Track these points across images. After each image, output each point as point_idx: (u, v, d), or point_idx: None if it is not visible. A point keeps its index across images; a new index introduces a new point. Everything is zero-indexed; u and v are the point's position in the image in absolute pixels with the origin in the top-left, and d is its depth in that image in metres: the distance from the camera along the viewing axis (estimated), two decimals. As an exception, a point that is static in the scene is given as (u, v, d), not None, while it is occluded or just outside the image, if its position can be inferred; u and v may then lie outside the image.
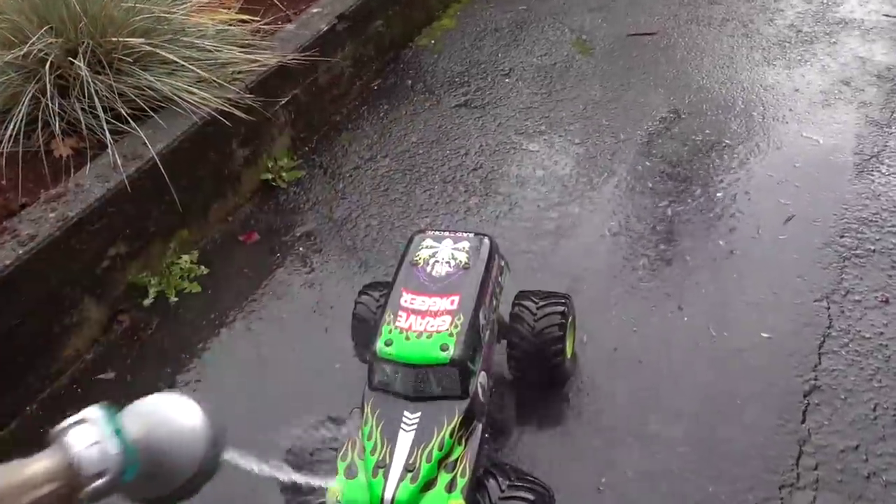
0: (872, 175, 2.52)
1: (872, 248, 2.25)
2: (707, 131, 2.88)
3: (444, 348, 1.60)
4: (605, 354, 2.07)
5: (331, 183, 2.89)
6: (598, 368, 2.03)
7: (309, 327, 2.29)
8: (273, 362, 2.19)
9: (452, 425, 1.56)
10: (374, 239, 2.60)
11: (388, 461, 1.51)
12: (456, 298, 1.70)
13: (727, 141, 2.82)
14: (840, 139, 2.72)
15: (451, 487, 1.49)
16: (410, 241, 1.90)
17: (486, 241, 1.88)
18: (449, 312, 1.67)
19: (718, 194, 2.55)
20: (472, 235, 1.89)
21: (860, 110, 2.87)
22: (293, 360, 2.19)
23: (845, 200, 2.44)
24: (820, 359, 1.97)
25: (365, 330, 1.98)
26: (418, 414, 1.58)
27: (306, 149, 3.07)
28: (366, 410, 1.61)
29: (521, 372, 1.92)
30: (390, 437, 1.55)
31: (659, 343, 2.07)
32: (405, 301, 1.71)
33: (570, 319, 1.92)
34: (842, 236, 2.30)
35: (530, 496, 1.52)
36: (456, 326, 1.64)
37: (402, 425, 1.56)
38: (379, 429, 1.57)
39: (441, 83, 3.38)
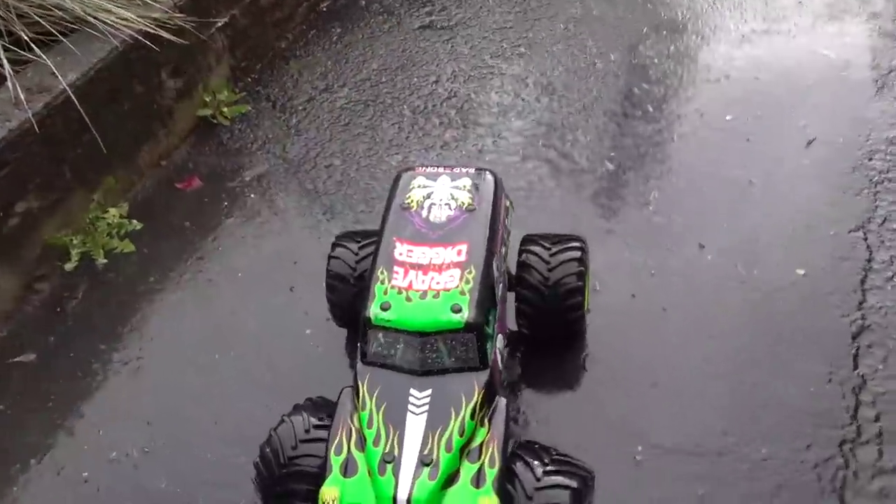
0: (894, 91, 2.30)
1: (904, 170, 2.04)
2: (706, 49, 2.60)
3: (455, 310, 1.29)
4: (622, 303, 1.80)
5: (282, 118, 2.51)
6: (616, 320, 1.76)
7: (270, 287, 1.96)
8: (230, 332, 1.85)
9: (473, 403, 1.27)
10: (338, 181, 2.25)
11: (396, 453, 1.22)
12: (463, 248, 1.39)
13: (730, 59, 2.55)
14: (853, 54, 2.48)
15: (478, 481, 1.21)
16: (397, 180, 1.58)
17: (489, 176, 1.56)
18: (457, 265, 1.36)
19: (727, 117, 2.29)
20: (471, 171, 1.57)
21: (870, 22, 2.63)
22: (254, 327, 1.86)
23: (868, 120, 2.21)
24: (864, 296, 1.76)
25: (343, 289, 1.66)
26: (428, 392, 1.28)
27: (249, 80, 2.66)
28: (361, 391, 1.30)
29: (533, 329, 1.64)
30: (396, 424, 1.25)
31: (682, 287, 1.82)
32: (400, 254, 1.39)
33: (587, 267, 1.65)
34: (870, 159, 2.08)
35: (573, 482, 1.26)
36: (467, 282, 1.34)
37: (410, 407, 1.27)
38: (381, 413, 1.27)
39: (399, 2, 2.99)
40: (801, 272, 1.83)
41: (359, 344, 1.36)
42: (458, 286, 1.32)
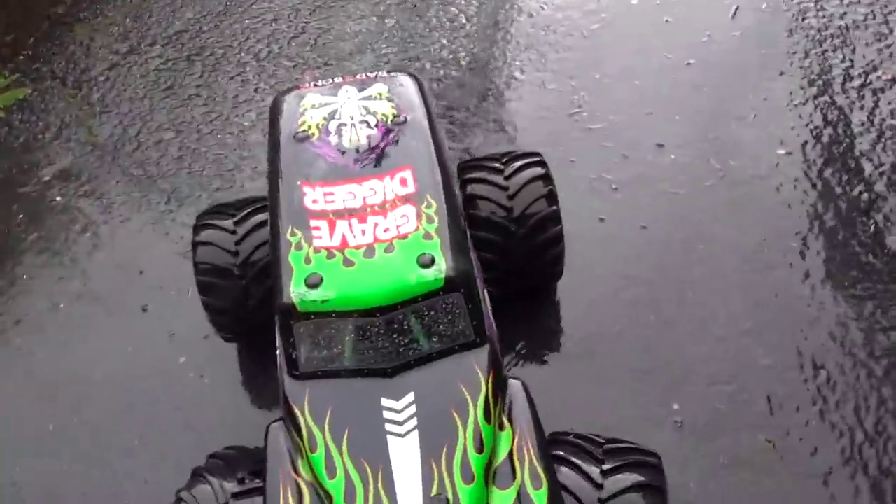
0: (799, -55, 2.10)
1: (843, 23, 1.82)
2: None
3: (425, 262, 0.86)
4: (592, 230, 1.43)
5: (78, 95, 1.91)
6: (589, 251, 1.40)
7: (113, 313, 1.42)
8: (67, 388, 1.30)
9: (482, 398, 0.84)
10: (176, 158, 1.72)
11: (386, 503, 0.78)
12: (407, 174, 0.95)
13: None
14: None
15: (524, 513, 0.79)
16: (277, 106, 1.10)
17: (407, 79, 1.13)
18: (407, 200, 0.92)
19: (633, 1, 1.98)
20: (382, 74, 1.14)
21: None
22: (102, 373, 1.32)
23: (785, -23, 2.00)
24: (859, 164, 1.51)
25: (225, 286, 1.16)
26: (410, 398, 0.83)
27: (22, 56, 2.04)
28: (302, 421, 0.83)
29: (501, 283, 1.22)
30: (375, 458, 0.80)
31: (654, 199, 1.49)
32: (314, 201, 0.93)
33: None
34: (804, 19, 1.85)
35: (642, 476, 0.88)
36: (430, 220, 0.90)
37: (390, 427, 0.82)
38: (344, 449, 0.81)
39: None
40: (782, 151, 1.55)
41: (279, 351, 0.89)
42: (418, 228, 0.88)
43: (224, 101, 1.85)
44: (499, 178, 1.19)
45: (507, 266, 1.19)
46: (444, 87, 1.80)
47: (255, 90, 1.87)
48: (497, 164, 1.21)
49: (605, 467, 0.87)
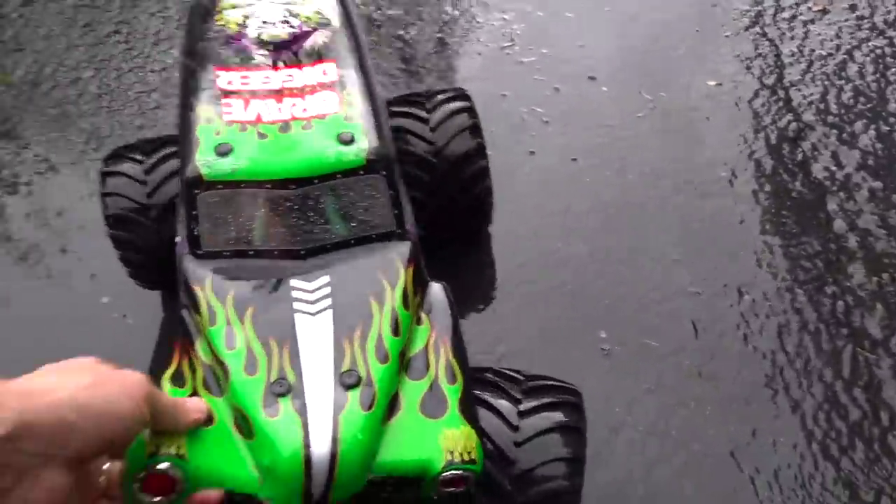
0: None
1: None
2: None
3: (346, 139, 0.86)
4: (521, 163, 1.46)
5: (-13, 33, 1.87)
6: (519, 184, 1.42)
7: (32, 258, 1.40)
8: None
9: (401, 287, 0.84)
10: (95, 96, 1.68)
11: (292, 378, 0.75)
12: (330, 66, 0.95)
13: None
14: None
15: (433, 406, 0.77)
16: (194, 8, 1.09)
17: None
18: (329, 86, 0.92)
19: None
20: (303, -20, 1.13)
21: None
22: (25, 318, 1.29)
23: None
24: (788, 94, 1.56)
25: (137, 221, 1.11)
26: (324, 280, 0.83)
27: (-72, -5, 1.97)
28: (202, 297, 0.81)
29: (426, 222, 1.20)
30: (281, 334, 0.78)
31: (585, 131, 1.52)
32: (229, 83, 0.92)
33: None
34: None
35: (563, 416, 0.85)
36: (351, 105, 0.90)
37: (298, 306, 0.80)
38: (248, 323, 0.79)
39: None
40: (713, 83, 1.60)
41: (181, 230, 0.87)
42: (339, 111, 0.89)
43: (145, 38, 1.82)
44: (421, 111, 1.17)
45: (432, 205, 1.16)
46: (365, 23, 1.80)
47: (177, 28, 1.84)
48: (419, 98, 1.21)
49: (523, 408, 0.84)
